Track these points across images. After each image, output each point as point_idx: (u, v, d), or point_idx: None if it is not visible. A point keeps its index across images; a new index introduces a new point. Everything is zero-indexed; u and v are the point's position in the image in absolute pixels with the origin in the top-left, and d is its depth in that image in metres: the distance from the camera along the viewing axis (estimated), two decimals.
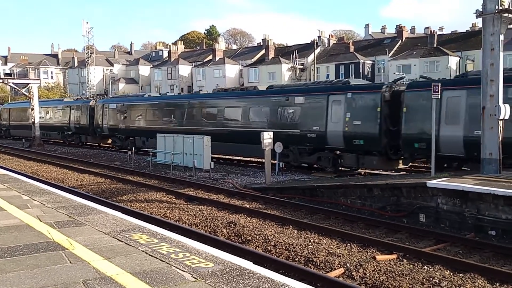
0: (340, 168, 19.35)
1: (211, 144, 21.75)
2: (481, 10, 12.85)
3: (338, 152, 18.97)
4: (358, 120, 17.88)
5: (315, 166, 20.44)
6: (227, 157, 25.91)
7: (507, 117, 12.72)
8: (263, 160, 17.87)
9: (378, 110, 17.35)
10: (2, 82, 41.05)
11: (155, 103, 29.72)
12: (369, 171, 19.38)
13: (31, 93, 37.37)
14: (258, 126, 21.27)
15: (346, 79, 21.90)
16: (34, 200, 9.21)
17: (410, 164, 18.61)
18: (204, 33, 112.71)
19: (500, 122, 12.62)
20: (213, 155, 22.30)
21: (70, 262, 5.28)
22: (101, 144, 36.27)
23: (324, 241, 9.98)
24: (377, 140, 17.29)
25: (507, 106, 12.65)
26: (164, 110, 28.01)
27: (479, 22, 14.62)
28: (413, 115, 16.52)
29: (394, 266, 8.36)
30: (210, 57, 74.47)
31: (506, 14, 12.54)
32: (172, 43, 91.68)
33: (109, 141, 35.07)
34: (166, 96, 36.06)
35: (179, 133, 23.89)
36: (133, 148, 26.81)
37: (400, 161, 18.14)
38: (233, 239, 10.40)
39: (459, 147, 15.31)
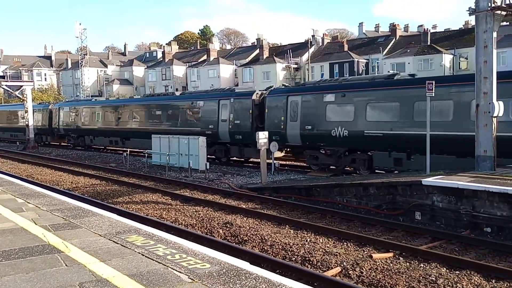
0: (230, 158, 24.20)
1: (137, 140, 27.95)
2: (474, 7, 12.90)
3: (228, 145, 23.55)
4: (238, 120, 22.57)
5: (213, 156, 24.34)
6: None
7: (501, 114, 12.78)
8: (259, 160, 17.88)
9: (250, 112, 22.06)
10: None
11: (97, 106, 34.74)
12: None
13: (25, 96, 37.19)
14: (172, 125, 26.26)
15: (233, 87, 27.65)
16: (29, 203, 9.17)
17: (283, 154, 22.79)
18: (198, 33, 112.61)
19: (494, 120, 12.68)
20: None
21: (66, 265, 5.26)
22: (61, 144, 40.48)
23: (321, 240, 9.99)
24: (250, 135, 21.00)
25: (501, 103, 12.70)
26: (102, 113, 33.35)
27: (472, 20, 14.69)
28: (271, 115, 21.17)
29: (391, 264, 8.38)
30: (205, 57, 74.39)
31: (498, 12, 12.60)
32: (166, 44, 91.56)
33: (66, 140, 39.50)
34: (105, 101, 41.68)
35: (111, 132, 31.42)
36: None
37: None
38: (229, 240, 10.39)
39: (297, 138, 19.88)
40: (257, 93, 22.59)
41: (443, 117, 15.29)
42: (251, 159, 24.07)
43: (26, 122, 37.19)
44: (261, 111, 21.86)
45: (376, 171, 17.46)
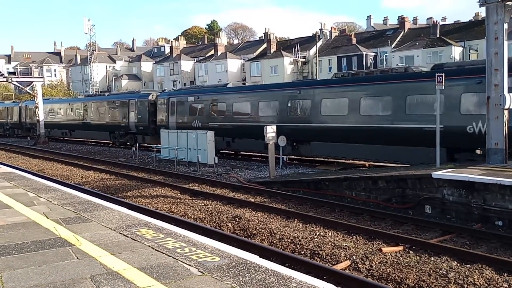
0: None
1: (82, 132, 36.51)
2: None
3: (136, 135, 31.15)
4: (140, 115, 30.33)
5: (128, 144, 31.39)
6: (231, 152, 25.94)
7: None
8: (268, 154, 17.87)
9: (147, 109, 29.63)
10: (6, 81, 41.14)
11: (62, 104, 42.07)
12: (373, 163, 19.30)
13: (35, 91, 37.48)
14: (104, 119, 34.44)
15: (139, 90, 37.38)
16: (40, 197, 9.26)
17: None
18: (206, 28, 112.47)
19: (505, 112, 12.53)
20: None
21: (77, 258, 5.31)
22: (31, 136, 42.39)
23: (330, 234, 9.98)
24: (148, 127, 29.71)
25: None
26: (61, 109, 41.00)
27: (482, 11, 14.51)
28: (159, 111, 28.47)
29: (401, 258, 8.35)
30: (212, 52, 74.33)
31: (509, 3, 12.42)
32: (174, 39, 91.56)
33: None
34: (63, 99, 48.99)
35: (63, 125, 39.81)
36: (137, 144, 27.33)
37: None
38: (238, 233, 10.41)
39: (174, 127, 26.18)
40: (153, 95, 30.33)
41: (341, 112, 18.47)
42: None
43: (37, 118, 37.49)
44: (155, 109, 29.22)
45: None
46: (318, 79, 39.25)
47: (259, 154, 23.79)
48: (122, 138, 32.58)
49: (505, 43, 12.52)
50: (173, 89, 34.57)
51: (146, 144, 29.62)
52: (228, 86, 27.04)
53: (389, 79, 17.71)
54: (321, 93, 19.49)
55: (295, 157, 21.83)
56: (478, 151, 14.82)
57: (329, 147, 19.07)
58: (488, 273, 7.50)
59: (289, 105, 20.52)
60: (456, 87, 15.08)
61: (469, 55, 52.55)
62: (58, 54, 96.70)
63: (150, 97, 29.76)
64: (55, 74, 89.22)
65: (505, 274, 7.45)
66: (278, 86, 24.44)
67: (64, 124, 39.67)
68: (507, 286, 7.02)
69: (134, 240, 6.03)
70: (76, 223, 7.00)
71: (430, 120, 14.81)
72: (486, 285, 7.07)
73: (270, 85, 31.06)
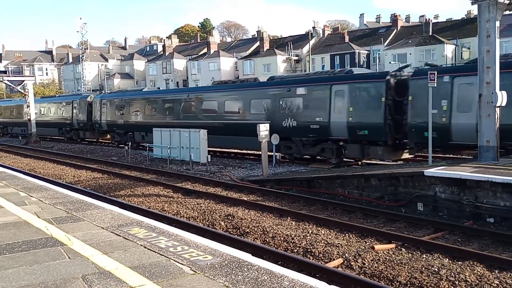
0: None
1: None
2: None
3: (79, 130, 36.83)
4: (80, 114, 35.82)
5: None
6: (224, 150, 25.94)
7: (504, 104, 12.72)
8: (261, 152, 17.88)
9: (86, 109, 35.09)
10: None
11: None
12: (367, 161, 19.39)
13: (26, 90, 37.21)
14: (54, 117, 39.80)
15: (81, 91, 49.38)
16: (31, 196, 9.19)
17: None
18: (198, 26, 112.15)
19: (497, 109, 12.62)
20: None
21: (69, 258, 5.27)
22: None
23: (323, 232, 9.99)
24: (87, 124, 35.20)
25: (504, 93, 12.64)
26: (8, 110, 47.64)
27: (474, 9, 14.59)
28: (95, 111, 33.90)
29: (393, 255, 8.38)
30: (205, 50, 74.17)
31: (501, 0, 12.49)
32: (167, 37, 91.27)
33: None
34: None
35: (15, 123, 46.57)
36: (130, 143, 27.29)
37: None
38: (231, 232, 10.40)
39: (105, 126, 33.21)
40: (91, 96, 35.72)
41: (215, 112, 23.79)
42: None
43: (28, 117, 37.24)
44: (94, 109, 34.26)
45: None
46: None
47: (254, 153, 23.80)
48: (69, 133, 38.30)
49: (497, 41, 12.59)
50: (107, 92, 41.55)
51: (87, 139, 36.71)
52: (143, 90, 34.34)
53: (242, 87, 23.47)
54: (202, 96, 25.25)
55: None
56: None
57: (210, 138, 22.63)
58: (479, 269, 7.56)
59: (181, 107, 26.25)
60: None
61: (462, 53, 52.86)
62: (49, 52, 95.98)
63: (88, 99, 35.56)
64: (46, 73, 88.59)
65: (496, 271, 7.51)
66: (171, 92, 33.67)
67: (24, 122, 42.55)
68: (498, 282, 7.07)
69: (126, 239, 6.00)
70: (68, 223, 6.95)
71: (261, 118, 20.60)
72: (477, 281, 7.12)
73: (162, 91, 40.70)
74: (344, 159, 19.26)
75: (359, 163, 19.42)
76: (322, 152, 19.41)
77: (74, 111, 36.46)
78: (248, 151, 24.38)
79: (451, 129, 15.39)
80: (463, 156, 15.90)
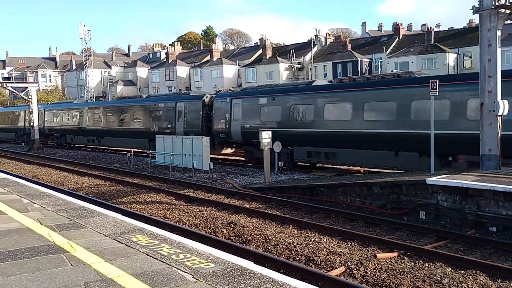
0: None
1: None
2: (477, 6, 12.86)
3: (43, 133, 40.72)
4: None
5: None
6: (226, 157, 25.99)
7: (505, 113, 12.72)
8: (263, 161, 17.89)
9: (43, 116, 40.61)
10: (1, 86, 41.03)
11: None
12: (368, 169, 19.35)
13: (30, 97, 37.37)
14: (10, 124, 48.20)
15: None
16: (34, 203, 9.21)
17: None
18: (201, 34, 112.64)
19: (499, 118, 12.63)
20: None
21: (71, 265, 5.28)
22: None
23: (325, 240, 9.98)
24: (43, 129, 40.38)
25: (506, 102, 12.65)
26: None
27: (476, 18, 14.68)
28: (48, 117, 40.90)
29: (395, 264, 8.36)
30: (208, 57, 74.40)
31: (502, 10, 12.56)
32: (170, 45, 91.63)
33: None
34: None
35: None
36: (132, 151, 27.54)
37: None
38: (233, 239, 10.39)
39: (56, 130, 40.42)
40: (38, 107, 40.66)
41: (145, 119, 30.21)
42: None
43: (32, 123, 37.38)
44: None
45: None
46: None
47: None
48: (22, 137, 43.92)
49: (498, 50, 12.64)
50: (49, 102, 46.96)
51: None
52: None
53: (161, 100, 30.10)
54: (132, 106, 31.95)
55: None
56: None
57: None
58: (482, 279, 7.53)
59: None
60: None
61: (463, 61, 52.91)
62: (53, 59, 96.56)
63: (41, 108, 41.76)
64: (50, 80, 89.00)
65: (499, 280, 7.48)
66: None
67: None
68: None
69: (129, 246, 6.01)
70: (70, 230, 6.97)
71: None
72: None
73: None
74: None
75: (361, 171, 19.40)
76: None
77: (26, 118, 43.04)
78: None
79: (230, 132, 23.47)
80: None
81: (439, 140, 13.91)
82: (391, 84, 17.74)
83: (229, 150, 26.06)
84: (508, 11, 12.69)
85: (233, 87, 42.63)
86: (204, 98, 25.77)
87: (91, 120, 35.66)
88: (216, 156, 25.43)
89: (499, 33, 12.62)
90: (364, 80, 19.72)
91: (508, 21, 13.62)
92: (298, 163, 21.39)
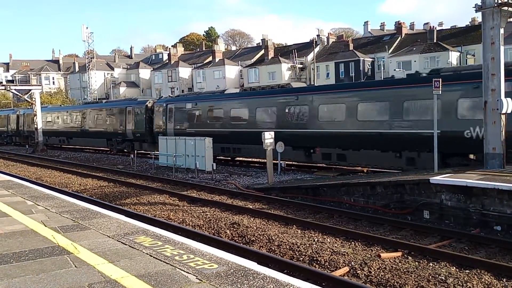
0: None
1: None
2: (480, 4, 12.81)
3: (13, 136, 47.28)
4: (11, 124, 47.71)
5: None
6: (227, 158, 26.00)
7: (509, 111, 12.67)
8: (266, 160, 17.89)
9: (16, 120, 46.13)
10: (5, 89, 41.20)
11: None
12: (371, 169, 19.31)
13: (33, 99, 37.49)
14: None
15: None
16: (38, 205, 9.23)
17: None
18: (203, 35, 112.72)
19: (503, 116, 12.57)
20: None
21: (75, 266, 5.29)
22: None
23: (328, 240, 9.96)
24: (17, 132, 46.80)
25: (509, 100, 12.60)
26: None
27: (478, 16, 14.66)
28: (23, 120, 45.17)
29: (399, 264, 8.34)
30: (210, 58, 74.51)
31: (505, 8, 12.50)
32: (172, 46, 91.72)
33: None
34: None
35: None
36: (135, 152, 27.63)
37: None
38: (237, 240, 10.39)
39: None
40: (18, 110, 47.09)
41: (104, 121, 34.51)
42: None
43: (35, 126, 37.51)
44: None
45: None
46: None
47: (259, 160, 23.84)
48: (5, 139, 49.75)
49: (502, 48, 12.59)
50: (28, 107, 48.36)
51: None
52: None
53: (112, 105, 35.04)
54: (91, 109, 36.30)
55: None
56: None
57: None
58: (487, 278, 7.50)
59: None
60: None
61: (466, 60, 52.76)
62: (56, 62, 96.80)
63: (18, 112, 46.75)
64: (53, 82, 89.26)
65: (504, 279, 7.45)
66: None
67: None
68: None
69: (132, 247, 6.01)
70: (74, 231, 6.98)
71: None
72: None
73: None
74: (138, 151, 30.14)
75: (364, 170, 19.36)
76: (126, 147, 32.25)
77: (10, 121, 48.43)
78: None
79: (166, 132, 27.26)
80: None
81: (303, 137, 19.79)
82: (275, 93, 22.57)
83: None
84: (511, 9, 12.63)
85: (235, 88, 43.07)
86: (147, 103, 30.27)
87: (62, 123, 40.02)
88: (219, 157, 25.41)
89: (502, 31, 12.57)
90: (259, 90, 25.51)
91: (511, 19, 13.56)
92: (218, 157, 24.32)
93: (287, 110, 20.67)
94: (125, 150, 31.74)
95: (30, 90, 39.15)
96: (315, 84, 46.51)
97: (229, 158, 25.67)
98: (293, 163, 22.49)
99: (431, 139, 13.81)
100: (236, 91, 28.28)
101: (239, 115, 23.34)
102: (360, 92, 18.48)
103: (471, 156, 15.09)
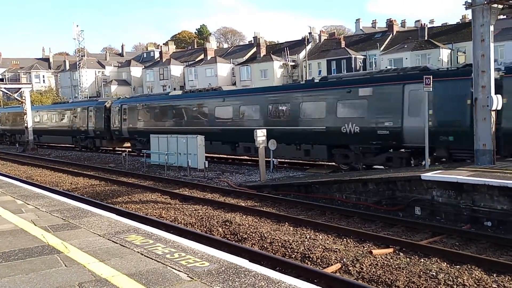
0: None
1: None
2: (470, 1, 12.88)
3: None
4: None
5: None
6: (222, 156, 25.97)
7: (499, 107, 12.77)
8: (258, 158, 17.88)
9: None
10: None
11: None
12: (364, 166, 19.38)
13: (23, 98, 37.16)
14: None
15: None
16: (28, 204, 9.16)
17: None
18: (195, 32, 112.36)
19: (493, 113, 12.67)
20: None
21: (65, 266, 5.25)
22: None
23: (320, 237, 9.98)
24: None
25: (499, 96, 12.69)
26: None
27: (469, 14, 14.73)
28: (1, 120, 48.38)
29: (391, 260, 8.37)
30: (202, 56, 74.26)
31: (495, 5, 12.58)
32: (163, 44, 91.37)
33: None
34: None
35: None
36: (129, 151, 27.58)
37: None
38: (229, 238, 10.38)
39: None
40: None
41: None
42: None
43: (26, 124, 37.19)
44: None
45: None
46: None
47: (252, 158, 23.85)
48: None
49: (491, 45, 12.67)
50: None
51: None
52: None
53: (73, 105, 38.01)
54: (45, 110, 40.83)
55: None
56: None
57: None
58: (477, 273, 7.56)
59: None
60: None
61: (457, 57, 53.07)
62: (46, 60, 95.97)
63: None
64: (44, 80, 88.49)
65: (494, 275, 7.51)
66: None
67: None
68: (496, 286, 7.08)
69: (123, 246, 5.98)
70: (65, 230, 6.93)
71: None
72: (475, 285, 7.12)
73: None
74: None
75: (358, 167, 19.41)
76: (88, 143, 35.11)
77: None
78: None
79: (121, 130, 30.68)
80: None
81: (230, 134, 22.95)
82: (196, 96, 26.85)
83: (127, 144, 32.75)
84: (500, 6, 12.72)
85: (227, 85, 43.19)
86: (105, 103, 32.99)
87: (33, 122, 41.58)
88: (209, 155, 25.43)
89: (492, 28, 12.65)
90: (197, 92, 29.17)
91: (501, 16, 13.65)
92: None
93: (216, 110, 24.04)
94: (89, 146, 34.94)
95: (20, 88, 38.77)
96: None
97: (222, 156, 25.75)
98: (245, 157, 24.70)
99: (321, 134, 18.30)
100: (179, 93, 31.50)
101: (179, 114, 26.60)
102: (269, 95, 21.90)
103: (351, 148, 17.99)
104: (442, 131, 15.15)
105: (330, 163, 20.64)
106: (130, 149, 30.91)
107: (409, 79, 16.44)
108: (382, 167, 17.46)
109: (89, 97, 67.32)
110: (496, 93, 13.23)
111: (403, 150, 16.78)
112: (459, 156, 15.33)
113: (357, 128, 17.50)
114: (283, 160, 21.99)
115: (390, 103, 16.66)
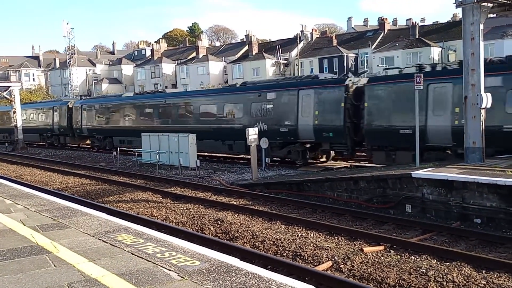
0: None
1: None
2: (460, 0, 12.94)
3: None
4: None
5: None
6: (214, 154, 25.91)
7: (489, 105, 12.86)
8: (250, 156, 17.88)
9: None
10: None
11: None
12: (355, 164, 19.49)
13: (13, 96, 36.82)
14: None
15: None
16: (17, 204, 9.07)
17: None
18: (187, 30, 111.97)
19: (483, 111, 12.75)
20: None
21: (55, 266, 5.21)
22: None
23: (312, 235, 10.00)
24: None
25: (489, 94, 12.79)
26: None
27: (459, 12, 14.83)
28: None
29: (382, 258, 8.41)
30: (194, 54, 74.01)
31: (485, 4, 12.66)
32: (155, 42, 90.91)
33: None
34: None
35: None
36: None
37: None
38: (220, 236, 10.37)
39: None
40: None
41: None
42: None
43: (15, 123, 36.87)
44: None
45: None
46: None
47: (244, 157, 23.84)
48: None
49: (481, 43, 12.74)
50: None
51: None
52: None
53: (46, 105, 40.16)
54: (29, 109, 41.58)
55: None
56: None
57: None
58: (467, 270, 7.61)
59: (26, 115, 40.82)
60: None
61: (448, 55, 53.40)
62: (36, 58, 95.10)
63: None
64: (33, 79, 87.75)
65: (484, 271, 7.57)
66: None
67: None
68: (485, 283, 7.13)
69: (113, 245, 5.94)
70: (54, 230, 6.87)
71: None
72: (465, 282, 7.17)
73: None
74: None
75: (348, 165, 19.53)
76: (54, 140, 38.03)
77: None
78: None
79: (82, 129, 33.42)
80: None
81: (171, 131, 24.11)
82: (143, 98, 29.70)
83: (87, 141, 35.94)
84: (490, 5, 12.80)
85: (219, 84, 43.09)
86: (68, 103, 35.78)
87: (7, 120, 43.61)
88: (202, 154, 25.37)
89: (482, 26, 12.72)
90: (146, 94, 32.17)
91: (491, 15, 13.74)
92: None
93: (159, 111, 27.14)
94: (55, 143, 37.75)
95: (9, 87, 38.42)
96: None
97: (206, 154, 25.94)
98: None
99: (240, 131, 19.47)
100: (131, 95, 34.15)
101: (129, 114, 29.63)
102: (200, 97, 25.03)
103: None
104: (325, 128, 18.51)
105: (322, 164, 20.74)
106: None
107: (303, 86, 19.95)
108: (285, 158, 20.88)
109: (80, 96, 66.92)
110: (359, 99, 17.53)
111: (298, 144, 20.13)
112: (337, 148, 19.12)
113: (265, 126, 20.60)
114: (212, 154, 25.45)
115: (288, 106, 19.94)
